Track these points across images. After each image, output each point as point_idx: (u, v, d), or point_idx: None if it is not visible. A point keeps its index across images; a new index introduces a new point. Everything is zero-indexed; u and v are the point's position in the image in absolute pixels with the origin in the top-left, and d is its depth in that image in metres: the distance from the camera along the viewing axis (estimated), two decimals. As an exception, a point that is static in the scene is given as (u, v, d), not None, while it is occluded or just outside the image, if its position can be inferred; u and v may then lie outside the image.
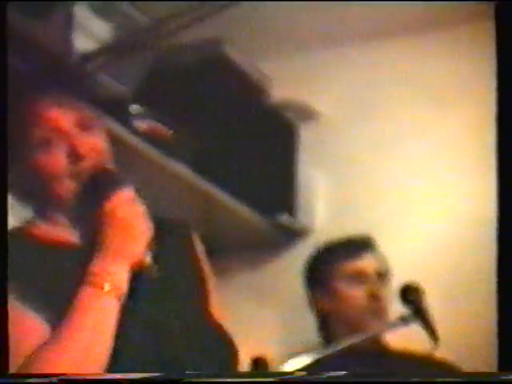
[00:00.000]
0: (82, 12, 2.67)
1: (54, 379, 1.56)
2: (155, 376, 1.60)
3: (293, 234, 3.33)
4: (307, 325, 2.82)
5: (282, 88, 3.25)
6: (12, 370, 1.54)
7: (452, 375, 1.99)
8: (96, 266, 1.55)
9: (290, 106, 3.28)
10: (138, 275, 1.60)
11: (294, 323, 3.05)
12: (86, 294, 1.54)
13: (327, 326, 2.81)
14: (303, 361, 2.31)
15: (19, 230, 1.66)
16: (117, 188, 1.58)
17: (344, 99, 3.36)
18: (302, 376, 2.04)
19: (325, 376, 1.92)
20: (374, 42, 3.22)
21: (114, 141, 2.57)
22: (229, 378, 1.72)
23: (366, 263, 2.81)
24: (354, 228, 2.93)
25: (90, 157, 1.62)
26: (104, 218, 1.56)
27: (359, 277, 2.79)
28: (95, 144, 1.64)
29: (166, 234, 1.74)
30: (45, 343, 1.51)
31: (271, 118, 3.26)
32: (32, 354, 1.49)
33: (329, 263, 2.84)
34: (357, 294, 2.77)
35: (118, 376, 1.58)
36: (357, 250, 2.83)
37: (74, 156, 1.61)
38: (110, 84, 2.67)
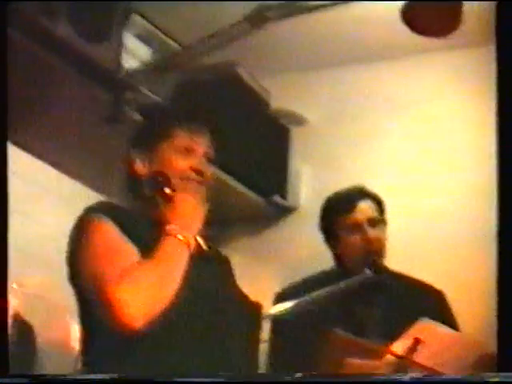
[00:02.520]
0: (129, 39, 2.99)
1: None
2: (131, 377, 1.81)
3: (283, 211, 3.67)
4: (294, 278, 3.00)
5: (279, 100, 3.57)
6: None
7: (451, 375, 1.91)
8: (172, 226, 1.95)
9: (284, 114, 3.62)
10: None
11: (284, 278, 3.20)
12: (165, 240, 1.92)
13: (341, 264, 2.96)
14: (289, 305, 2.54)
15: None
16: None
17: (327, 109, 3.69)
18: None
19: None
20: (353, 65, 3.56)
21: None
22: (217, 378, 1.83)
23: (358, 215, 2.92)
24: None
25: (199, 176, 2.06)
26: (176, 204, 1.99)
27: (354, 227, 2.91)
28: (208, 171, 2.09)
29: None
30: (133, 266, 1.85)
31: (270, 123, 3.59)
32: (125, 270, 1.82)
33: (332, 217, 2.98)
34: (353, 240, 2.90)
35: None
36: (351, 203, 2.93)
37: (197, 169, 2.06)
38: (149, 94, 3.00)
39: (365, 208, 2.95)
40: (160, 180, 2.05)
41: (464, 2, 2.70)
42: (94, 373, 1.84)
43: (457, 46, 3.33)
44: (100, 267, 1.86)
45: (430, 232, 3.44)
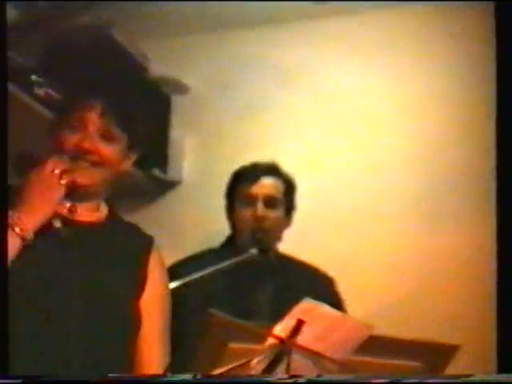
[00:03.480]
0: (-6, -3, 2.91)
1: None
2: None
3: (164, 186, 3.58)
4: (177, 257, 2.96)
5: (159, 66, 3.46)
6: None
7: (451, 376, 1.80)
8: (15, 214, 1.92)
9: (165, 81, 3.52)
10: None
11: (167, 258, 2.94)
12: (6, 231, 1.90)
13: (233, 239, 2.99)
14: (172, 284, 2.44)
15: None
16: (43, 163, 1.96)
17: (211, 76, 3.62)
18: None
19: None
20: (238, 31, 3.54)
21: (18, 104, 2.84)
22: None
23: (256, 189, 2.95)
24: (216, 182, 3.12)
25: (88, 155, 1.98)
26: (28, 184, 1.95)
27: (248, 200, 2.95)
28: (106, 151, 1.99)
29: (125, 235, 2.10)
30: None
31: (149, 91, 3.40)
32: None
33: (233, 187, 3.01)
34: (245, 214, 2.95)
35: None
36: (254, 175, 2.96)
37: (82, 147, 1.98)
38: (16, 57, 2.88)
39: (266, 184, 2.97)
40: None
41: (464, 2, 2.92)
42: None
43: (347, 11, 3.39)
44: None
45: (317, 210, 3.40)
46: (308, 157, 3.47)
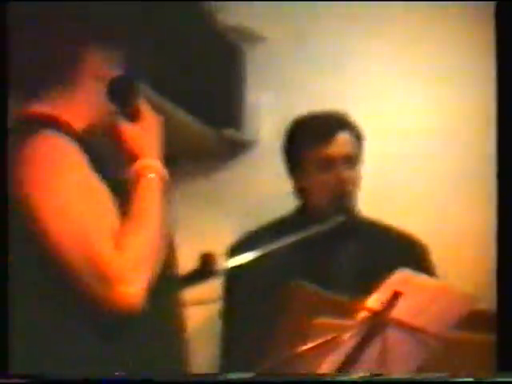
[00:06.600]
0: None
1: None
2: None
3: (238, 147, 3.66)
4: (252, 226, 3.15)
5: (230, 15, 3.58)
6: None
7: (451, 375, 1.89)
8: (144, 161, 1.89)
9: (237, 31, 3.57)
10: None
11: (240, 226, 3.32)
12: (139, 183, 1.85)
13: (305, 206, 3.03)
14: (249, 256, 2.57)
15: None
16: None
17: (287, 27, 3.68)
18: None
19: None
20: None
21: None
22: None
23: (334, 148, 2.96)
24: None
25: None
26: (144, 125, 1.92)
27: (327, 162, 2.96)
28: None
29: None
30: (123, 228, 1.79)
31: (219, 42, 3.51)
32: (115, 233, 1.76)
33: (300, 146, 3.02)
34: (325, 178, 2.98)
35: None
36: (329, 133, 2.96)
37: None
38: None
39: (343, 141, 2.97)
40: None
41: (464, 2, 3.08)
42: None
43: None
44: (75, 214, 1.75)
45: (409, 170, 3.58)
46: (397, 108, 3.54)
